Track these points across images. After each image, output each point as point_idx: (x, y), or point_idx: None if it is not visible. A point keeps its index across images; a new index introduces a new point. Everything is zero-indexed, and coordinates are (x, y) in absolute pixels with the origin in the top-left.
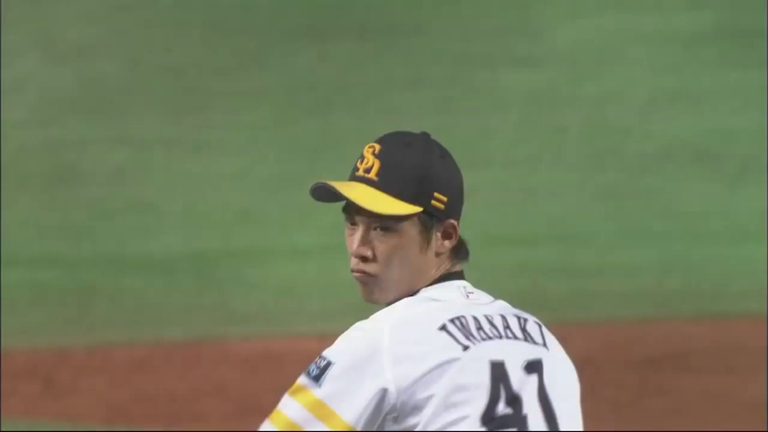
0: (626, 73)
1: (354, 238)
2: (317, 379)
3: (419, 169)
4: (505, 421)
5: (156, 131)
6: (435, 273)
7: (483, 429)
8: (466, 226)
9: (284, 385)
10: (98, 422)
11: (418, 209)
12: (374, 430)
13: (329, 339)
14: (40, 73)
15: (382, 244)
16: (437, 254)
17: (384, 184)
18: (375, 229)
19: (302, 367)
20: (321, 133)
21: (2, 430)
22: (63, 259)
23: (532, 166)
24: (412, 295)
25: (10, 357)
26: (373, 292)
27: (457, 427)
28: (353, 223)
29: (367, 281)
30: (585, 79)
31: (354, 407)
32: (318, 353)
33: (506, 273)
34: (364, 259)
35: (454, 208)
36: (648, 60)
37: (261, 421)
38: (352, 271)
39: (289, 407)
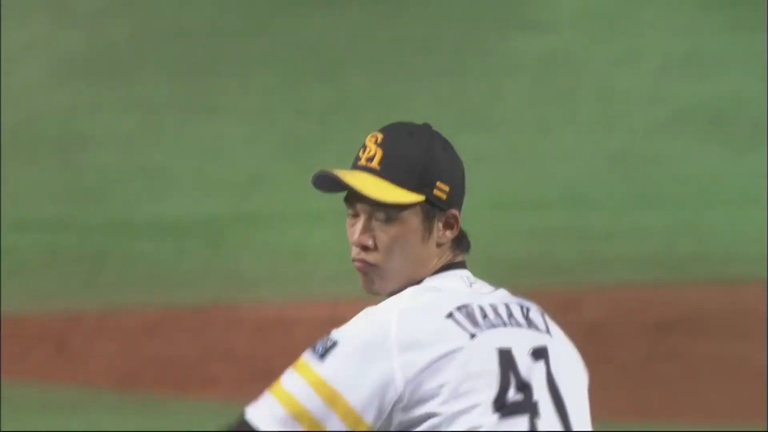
0: (638, 37)
1: (355, 228)
2: (322, 357)
3: (422, 158)
4: (517, 407)
5: (167, 95)
6: (436, 263)
7: (495, 416)
8: (479, 190)
9: (295, 349)
10: (109, 386)
11: (420, 198)
12: (383, 425)
13: (341, 304)
14: (50, 37)
15: (383, 233)
16: (438, 244)
17: (387, 172)
18: (377, 218)
19: (314, 333)
20: (332, 97)
21: (15, 393)
22: (74, 224)
23: (544, 130)
24: (415, 284)
25: (22, 321)
26: (374, 282)
27: (468, 415)
28: (355, 213)
29: (368, 271)
30: (597, 43)
31: (359, 393)
32: (328, 326)
33: (518, 237)
34: (365, 248)
35: (456, 198)
36: (660, 24)
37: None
38: (353, 260)
39: (291, 382)
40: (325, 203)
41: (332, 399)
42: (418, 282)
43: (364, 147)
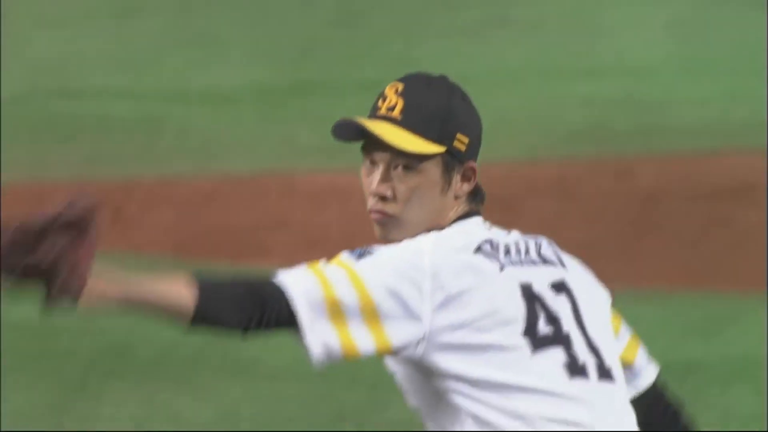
0: None
1: (373, 177)
2: (359, 257)
3: (443, 109)
4: (549, 340)
5: None
6: (452, 215)
7: (527, 348)
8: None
9: (349, 218)
10: (165, 254)
11: (442, 149)
12: (404, 354)
13: None
14: None
15: (402, 183)
16: (456, 197)
17: (408, 122)
18: (396, 168)
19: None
20: None
21: None
22: (129, 92)
23: None
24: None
25: (76, 186)
26: (391, 232)
27: (500, 345)
28: (372, 162)
29: (386, 222)
30: None
31: (388, 301)
32: None
33: (573, 106)
34: (383, 198)
35: (474, 150)
36: None
37: (326, 254)
38: (370, 211)
39: (327, 267)
40: (380, 72)
41: (362, 295)
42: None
43: (384, 96)
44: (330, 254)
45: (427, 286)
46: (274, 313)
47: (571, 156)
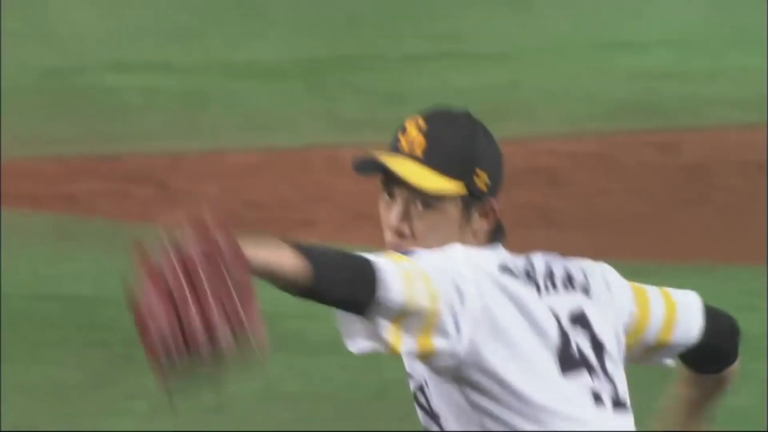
0: None
1: (392, 213)
2: (405, 254)
3: (464, 147)
4: (575, 363)
5: None
6: None
7: (556, 368)
8: (580, 31)
9: None
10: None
11: (461, 187)
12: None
13: None
14: None
15: (421, 220)
16: (474, 234)
17: (429, 160)
18: (415, 204)
19: None
20: None
21: (117, 231)
22: (174, 65)
23: None
24: None
25: (125, 160)
26: None
27: (531, 363)
28: (391, 195)
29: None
30: None
31: (444, 309)
32: None
33: (620, 78)
34: (401, 235)
35: (495, 188)
36: None
37: (371, 227)
38: (388, 245)
39: (412, 269)
40: (426, 46)
41: (432, 307)
42: None
43: (404, 131)
44: (372, 229)
45: (469, 298)
46: (376, 302)
47: (615, 129)
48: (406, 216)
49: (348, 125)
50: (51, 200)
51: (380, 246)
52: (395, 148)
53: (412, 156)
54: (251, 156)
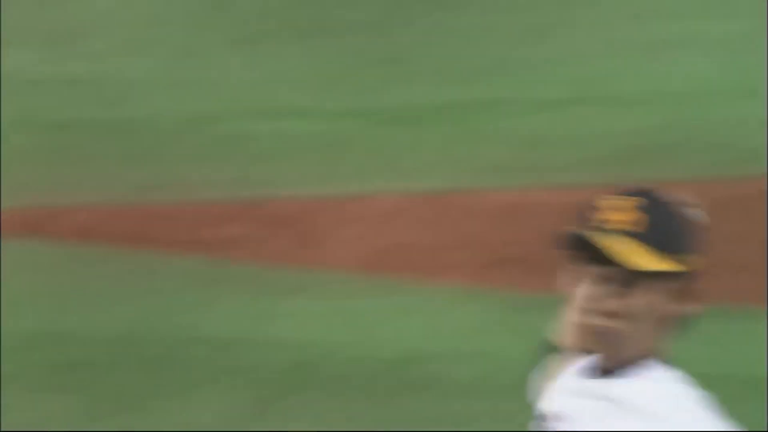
0: None
1: (592, 290)
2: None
3: (682, 227)
4: None
5: None
6: (660, 340)
7: None
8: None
9: (534, 236)
10: (350, 271)
11: (673, 265)
12: None
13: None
14: None
15: (628, 300)
16: (674, 317)
17: (649, 238)
18: (618, 282)
19: (552, 219)
20: None
21: (260, 277)
22: (314, 111)
23: (761, 17)
24: (650, 359)
25: (262, 205)
26: (609, 349)
27: None
28: (588, 272)
29: (608, 335)
30: None
31: None
32: (567, 213)
33: (726, 125)
34: (610, 315)
35: (699, 268)
36: None
37: (507, 274)
38: (585, 325)
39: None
40: (561, 91)
41: None
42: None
43: (612, 208)
44: (511, 274)
45: None
46: None
47: (734, 178)
48: (611, 294)
49: (487, 170)
50: (193, 244)
51: (520, 290)
52: (600, 227)
53: (627, 232)
54: (390, 200)
